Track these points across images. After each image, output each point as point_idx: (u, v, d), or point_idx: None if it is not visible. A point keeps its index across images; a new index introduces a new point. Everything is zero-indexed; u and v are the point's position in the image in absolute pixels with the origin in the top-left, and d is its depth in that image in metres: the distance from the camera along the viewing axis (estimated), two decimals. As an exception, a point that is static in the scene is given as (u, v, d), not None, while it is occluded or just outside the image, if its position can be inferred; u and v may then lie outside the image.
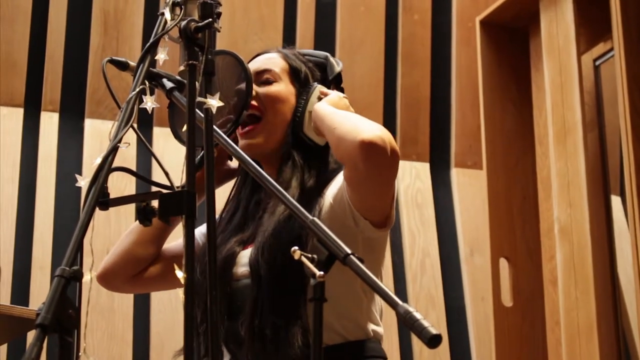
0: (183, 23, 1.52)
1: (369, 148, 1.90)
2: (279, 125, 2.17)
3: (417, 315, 1.33)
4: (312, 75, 2.25)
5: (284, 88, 2.20)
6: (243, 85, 2.04)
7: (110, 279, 2.28)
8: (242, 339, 2.01)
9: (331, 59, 2.29)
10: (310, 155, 2.16)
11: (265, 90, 2.19)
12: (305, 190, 2.09)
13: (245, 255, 2.08)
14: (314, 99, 2.18)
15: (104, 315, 3.74)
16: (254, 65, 2.24)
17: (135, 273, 2.28)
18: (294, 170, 2.13)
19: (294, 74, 2.23)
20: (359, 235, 2.04)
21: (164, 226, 2.24)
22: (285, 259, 1.96)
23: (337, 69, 2.27)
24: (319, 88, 2.20)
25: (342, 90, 2.27)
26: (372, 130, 1.93)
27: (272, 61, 2.24)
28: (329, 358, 1.44)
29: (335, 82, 2.26)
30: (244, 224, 2.18)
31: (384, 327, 2.13)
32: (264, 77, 2.21)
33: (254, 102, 2.16)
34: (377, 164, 1.93)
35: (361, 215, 2.01)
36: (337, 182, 2.09)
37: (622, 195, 3.81)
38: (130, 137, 1.47)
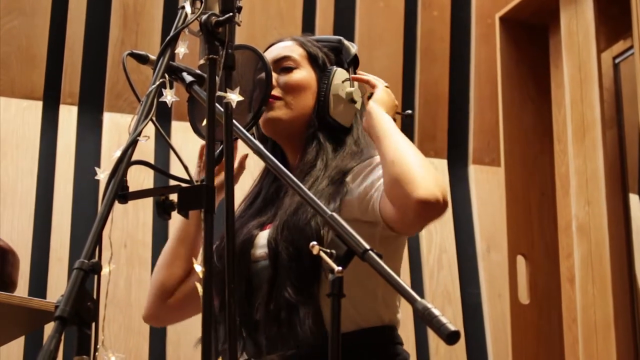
0: (204, 17, 1.51)
1: (425, 208, 1.87)
2: (300, 111, 2.17)
3: (436, 312, 1.32)
4: (329, 59, 2.25)
5: (305, 74, 2.20)
6: (263, 78, 2.04)
7: (151, 314, 2.25)
8: (257, 322, 2.00)
9: (345, 42, 2.29)
10: (336, 136, 2.17)
11: (286, 78, 2.19)
12: (330, 170, 2.09)
13: (263, 237, 2.07)
14: (337, 82, 2.18)
15: (121, 308, 3.74)
16: (271, 54, 2.23)
17: (166, 297, 2.23)
18: (319, 151, 2.13)
19: (313, 60, 2.23)
20: (377, 234, 2.03)
21: (184, 249, 2.21)
22: (303, 238, 1.95)
23: (353, 51, 2.27)
24: (339, 71, 2.21)
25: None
26: (429, 187, 1.88)
27: (290, 48, 2.24)
28: (343, 346, 1.43)
29: (352, 65, 2.26)
30: (263, 208, 2.18)
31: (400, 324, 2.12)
32: (284, 64, 2.21)
33: (274, 92, 2.16)
34: (428, 220, 1.93)
35: (387, 226, 2.00)
36: (364, 177, 2.06)
37: (641, 193, 3.80)
38: (149, 130, 1.47)
